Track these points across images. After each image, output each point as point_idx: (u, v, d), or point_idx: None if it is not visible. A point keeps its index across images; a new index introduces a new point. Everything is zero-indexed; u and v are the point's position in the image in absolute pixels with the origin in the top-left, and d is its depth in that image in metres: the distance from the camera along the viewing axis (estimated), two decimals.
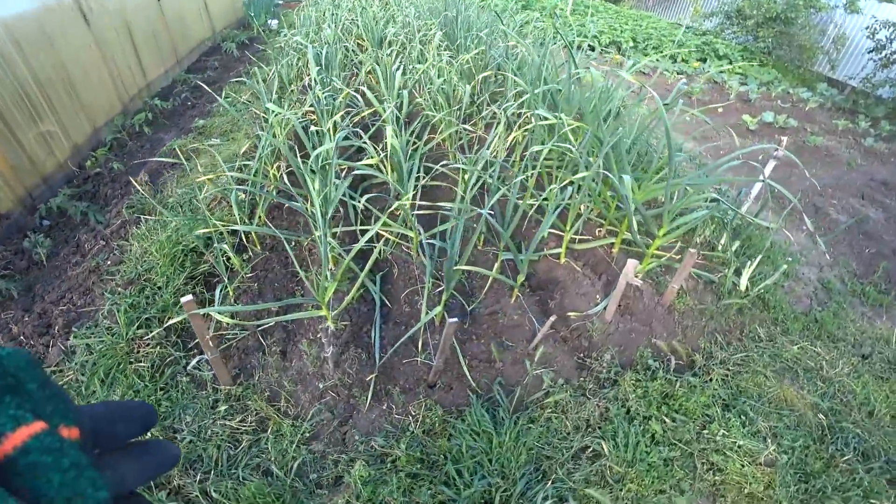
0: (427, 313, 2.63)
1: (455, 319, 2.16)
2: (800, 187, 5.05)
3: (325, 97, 3.84)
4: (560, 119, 3.04)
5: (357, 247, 2.53)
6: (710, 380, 2.69)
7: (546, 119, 3.19)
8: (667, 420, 2.37)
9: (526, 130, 3.35)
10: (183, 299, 2.04)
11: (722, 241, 3.50)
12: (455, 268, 2.60)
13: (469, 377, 2.54)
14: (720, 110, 6.78)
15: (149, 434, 0.45)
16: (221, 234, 3.04)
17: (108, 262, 3.29)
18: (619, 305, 3.02)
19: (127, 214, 3.75)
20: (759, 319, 3.12)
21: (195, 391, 2.46)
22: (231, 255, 3.01)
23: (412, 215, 2.98)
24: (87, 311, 2.94)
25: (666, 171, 3.23)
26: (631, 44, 8.89)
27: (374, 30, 5.59)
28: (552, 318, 2.41)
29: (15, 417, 0.24)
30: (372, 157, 3.25)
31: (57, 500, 0.24)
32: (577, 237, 3.40)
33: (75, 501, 0.24)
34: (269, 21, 9.08)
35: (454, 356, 2.61)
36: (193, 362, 2.56)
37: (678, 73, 8.11)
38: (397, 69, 4.12)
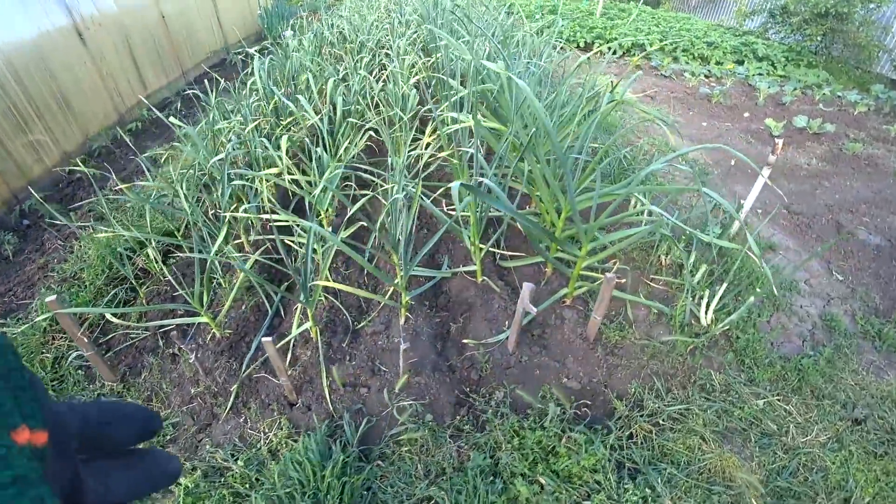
0: (299, 327, 2.35)
1: (269, 339, 1.83)
2: (825, 201, 4.23)
3: (254, 107, 3.67)
4: (468, 120, 2.60)
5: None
6: (630, 436, 2.12)
7: (458, 122, 2.75)
8: (541, 481, 1.84)
9: (438, 134, 2.92)
10: (47, 299, 2.09)
11: (689, 264, 2.87)
12: (311, 283, 2.23)
13: (328, 400, 2.25)
14: (746, 115, 5.96)
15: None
16: (157, 240, 2.99)
17: (55, 261, 3.37)
18: (533, 335, 2.51)
19: (81, 219, 3.80)
20: (719, 363, 2.48)
21: (85, 384, 2.50)
22: (152, 259, 2.96)
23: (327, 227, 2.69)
24: (25, 303, 3.03)
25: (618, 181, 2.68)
26: (656, 46, 8.14)
27: (353, 38, 5.38)
28: (403, 346, 1.98)
29: None
30: (277, 167, 3.00)
31: None
32: (505, 253, 2.92)
33: None
34: (283, 32, 9.17)
35: (319, 375, 2.28)
36: (72, 357, 2.57)
37: (706, 77, 7.30)
38: (338, 75, 3.86)
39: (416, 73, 3.79)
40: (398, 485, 1.94)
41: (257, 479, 2.02)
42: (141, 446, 0.32)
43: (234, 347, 2.65)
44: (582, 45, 8.15)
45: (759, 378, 2.41)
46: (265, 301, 2.83)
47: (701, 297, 2.63)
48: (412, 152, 3.11)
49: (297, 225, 2.70)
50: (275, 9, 9.13)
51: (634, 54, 8.01)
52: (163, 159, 4.12)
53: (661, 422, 2.17)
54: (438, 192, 3.04)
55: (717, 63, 8.13)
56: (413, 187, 3.03)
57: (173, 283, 2.82)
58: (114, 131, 5.22)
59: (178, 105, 6.12)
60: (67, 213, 4.01)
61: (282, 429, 2.21)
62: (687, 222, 3.38)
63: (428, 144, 3.06)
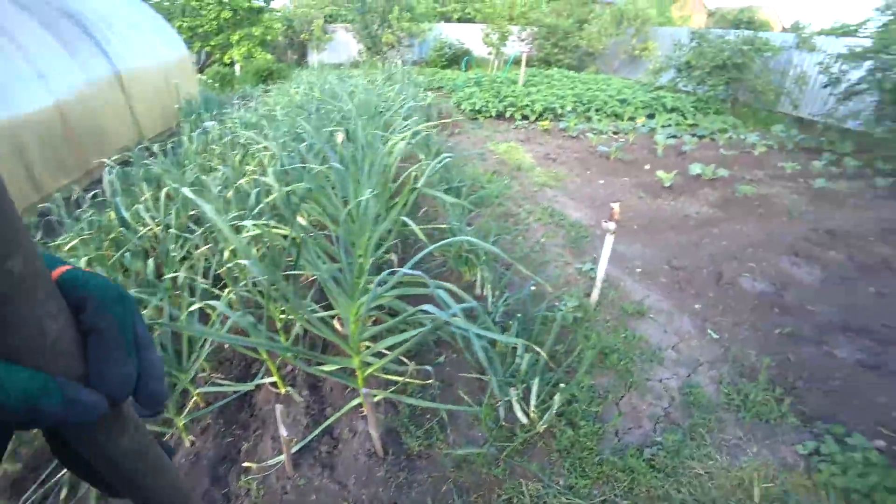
0: None
1: None
2: (710, 251, 4.04)
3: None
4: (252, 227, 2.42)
5: None
6: None
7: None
8: None
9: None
10: None
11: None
12: None
13: None
14: (647, 167, 5.95)
15: None
16: None
17: None
18: (319, 452, 2.16)
19: None
20: (533, 471, 2.13)
21: None
22: None
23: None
24: None
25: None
26: (570, 108, 8.38)
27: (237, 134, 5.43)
28: None
29: (58, 260, 0.31)
30: None
31: (97, 296, 0.30)
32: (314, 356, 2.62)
33: (108, 295, 0.30)
34: (204, 124, 9.28)
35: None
36: None
37: (614, 133, 7.43)
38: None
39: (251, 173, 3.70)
40: None
41: None
42: None
43: None
44: (494, 114, 8.36)
45: (580, 484, 2.05)
46: None
47: (523, 390, 2.32)
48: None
49: None
50: (201, 99, 9.29)
51: (547, 118, 8.20)
52: None
53: None
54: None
55: (630, 118, 8.34)
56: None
57: None
58: None
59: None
60: None
61: None
62: (517, 301, 3.15)
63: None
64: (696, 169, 5.51)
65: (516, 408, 2.24)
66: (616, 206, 2.86)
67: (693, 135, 7.28)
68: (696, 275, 3.72)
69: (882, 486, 2.06)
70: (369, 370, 2.15)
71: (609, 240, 2.93)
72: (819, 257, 3.90)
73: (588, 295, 3.26)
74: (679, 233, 4.36)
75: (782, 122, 7.74)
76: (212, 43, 13.07)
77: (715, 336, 3.07)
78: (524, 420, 2.24)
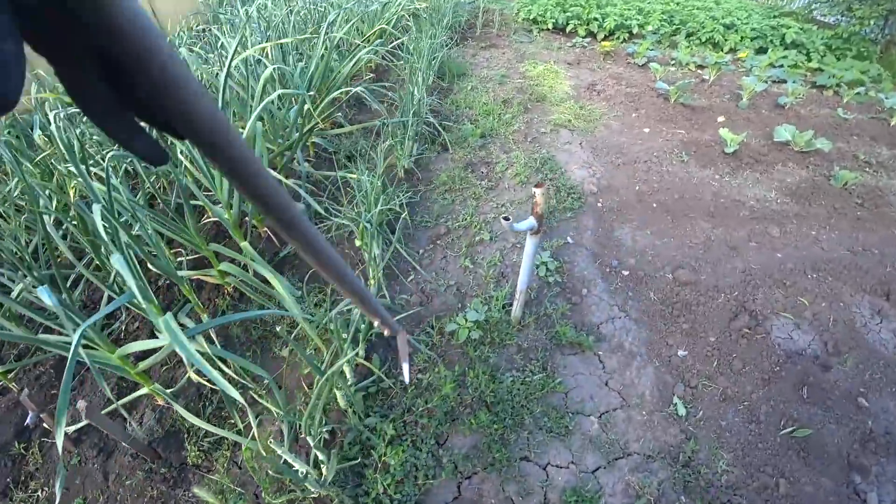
0: None
1: None
2: (752, 262, 2.72)
3: None
4: None
5: None
6: None
7: None
8: None
9: None
10: None
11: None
12: None
13: None
14: (720, 119, 4.34)
15: None
16: None
17: None
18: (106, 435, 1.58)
19: None
20: None
21: None
22: None
23: None
24: None
25: None
26: (652, 28, 6.44)
27: None
28: None
29: None
30: None
31: None
32: None
33: None
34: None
35: None
36: None
37: (698, 68, 5.57)
38: None
39: None
40: None
41: None
42: None
43: None
44: (551, 26, 6.66)
45: None
46: None
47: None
48: None
49: None
50: None
51: (618, 38, 6.40)
52: None
53: None
54: None
55: (732, 51, 6.31)
56: None
57: None
58: None
59: None
60: None
61: None
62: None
63: None
64: (784, 133, 3.86)
65: (287, 456, 1.43)
66: (539, 193, 1.68)
67: (809, 83, 5.27)
68: (706, 299, 2.50)
69: None
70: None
71: (531, 242, 1.82)
72: (887, 312, 2.47)
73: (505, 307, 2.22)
74: (717, 226, 3.02)
75: None
76: None
77: (681, 411, 1.98)
78: (301, 470, 1.43)
